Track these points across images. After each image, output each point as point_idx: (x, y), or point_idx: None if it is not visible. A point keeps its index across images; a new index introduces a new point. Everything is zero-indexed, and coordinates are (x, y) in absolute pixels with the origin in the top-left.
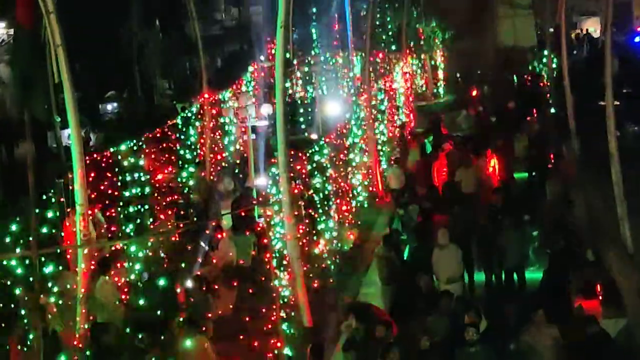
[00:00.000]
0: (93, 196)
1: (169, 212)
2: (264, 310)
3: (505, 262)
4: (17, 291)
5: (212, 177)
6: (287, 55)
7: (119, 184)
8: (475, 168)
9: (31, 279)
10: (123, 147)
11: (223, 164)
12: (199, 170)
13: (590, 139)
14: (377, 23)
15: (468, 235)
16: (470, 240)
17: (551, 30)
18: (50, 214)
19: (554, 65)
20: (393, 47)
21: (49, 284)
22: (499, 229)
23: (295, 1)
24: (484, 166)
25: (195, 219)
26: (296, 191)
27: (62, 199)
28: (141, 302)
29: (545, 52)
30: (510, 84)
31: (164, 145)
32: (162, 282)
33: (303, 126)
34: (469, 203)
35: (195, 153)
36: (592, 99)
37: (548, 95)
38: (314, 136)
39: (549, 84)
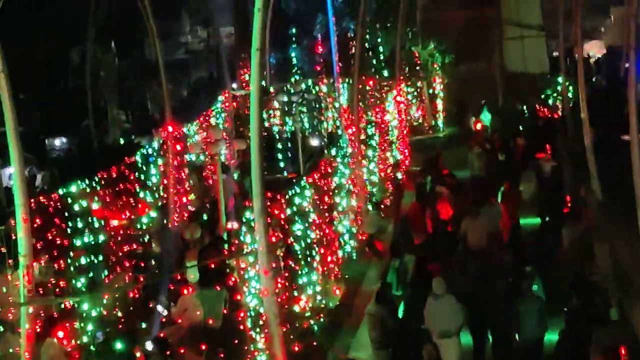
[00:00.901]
0: (39, 246)
1: (127, 264)
2: None
3: (523, 333)
4: None
5: (176, 224)
6: (263, 83)
7: (69, 231)
8: (482, 220)
9: None
10: (73, 189)
11: (189, 207)
12: (161, 216)
13: (612, 178)
14: (367, 45)
15: (479, 302)
16: (481, 306)
17: (555, 54)
18: None
19: (569, 94)
20: (385, 73)
21: None
22: (515, 294)
23: (272, 20)
24: (492, 216)
25: (156, 271)
26: (274, 239)
27: (2, 249)
28: None
29: (560, 79)
30: (519, 115)
31: (121, 186)
32: (118, 344)
33: (282, 164)
34: (477, 260)
35: (157, 195)
36: (614, 133)
37: (563, 128)
38: (294, 175)
39: (563, 115)
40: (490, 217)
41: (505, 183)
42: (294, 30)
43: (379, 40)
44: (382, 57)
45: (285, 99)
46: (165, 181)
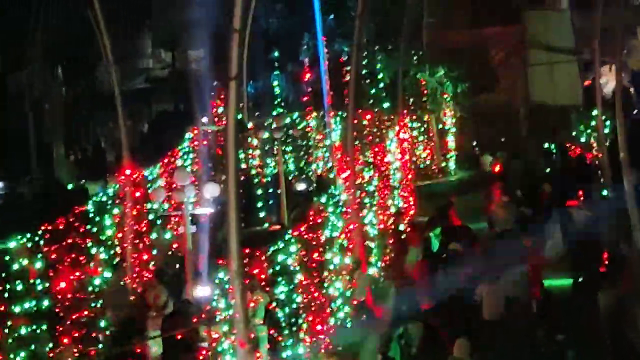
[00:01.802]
0: None
1: (76, 335)
2: None
3: None
4: None
5: (135, 286)
6: (240, 117)
7: (6, 295)
8: (504, 284)
9: None
10: (12, 245)
11: (151, 266)
12: (116, 276)
13: None
14: (364, 72)
15: None
16: None
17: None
18: None
19: (606, 131)
20: (385, 105)
21: None
22: None
23: (251, 42)
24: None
25: (112, 343)
26: (252, 305)
27: None
28: None
29: (595, 113)
30: (547, 156)
31: (69, 241)
32: None
33: (262, 214)
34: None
35: (112, 252)
36: None
37: (599, 172)
38: (276, 228)
39: (600, 156)
40: (513, 281)
41: (526, 241)
42: (276, 54)
43: (378, 65)
44: (381, 86)
45: (266, 135)
46: (122, 235)
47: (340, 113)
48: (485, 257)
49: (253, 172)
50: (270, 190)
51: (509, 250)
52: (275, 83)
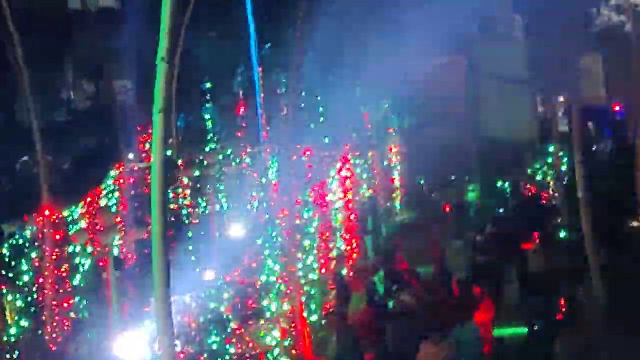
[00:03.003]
0: None
1: None
2: None
3: None
4: None
5: (54, 336)
6: (169, 153)
7: None
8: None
9: None
10: None
11: (71, 315)
12: (34, 325)
13: (619, 275)
14: (303, 105)
15: None
16: None
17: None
18: None
19: (563, 168)
20: (326, 140)
21: None
22: None
23: (181, 72)
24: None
25: None
26: (182, 356)
27: None
28: None
29: (551, 149)
30: (499, 195)
31: None
32: None
33: (193, 258)
34: None
35: (29, 299)
36: (621, 218)
37: (555, 212)
38: (209, 275)
39: (556, 194)
40: (459, 342)
41: (476, 287)
42: (208, 85)
43: (318, 98)
44: (322, 119)
45: (197, 173)
46: (41, 280)
47: (277, 149)
48: (433, 311)
49: (184, 212)
50: (202, 233)
51: (458, 304)
52: (207, 117)
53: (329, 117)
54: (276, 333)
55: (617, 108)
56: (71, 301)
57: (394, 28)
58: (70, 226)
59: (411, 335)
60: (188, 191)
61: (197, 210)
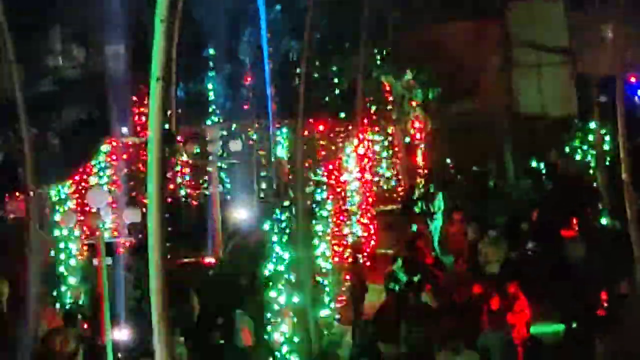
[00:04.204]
0: None
1: None
2: None
3: None
4: None
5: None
6: (167, 126)
7: None
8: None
9: None
10: None
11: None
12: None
13: None
14: (316, 75)
15: None
16: None
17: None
18: None
19: (606, 147)
20: (342, 115)
21: None
22: None
23: (181, 37)
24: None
25: None
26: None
27: None
28: None
29: (592, 126)
30: (536, 177)
31: None
32: None
33: (193, 244)
34: None
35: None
36: None
37: (597, 196)
38: (210, 260)
39: (598, 177)
40: (488, 347)
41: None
42: (211, 52)
43: (334, 67)
44: (337, 92)
45: (198, 150)
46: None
47: (287, 123)
48: (458, 315)
49: (182, 193)
50: (203, 216)
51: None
52: (210, 87)
53: (344, 89)
54: (285, 328)
55: None
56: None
57: None
58: (57, 207)
59: (428, 341)
60: (187, 170)
61: (198, 191)
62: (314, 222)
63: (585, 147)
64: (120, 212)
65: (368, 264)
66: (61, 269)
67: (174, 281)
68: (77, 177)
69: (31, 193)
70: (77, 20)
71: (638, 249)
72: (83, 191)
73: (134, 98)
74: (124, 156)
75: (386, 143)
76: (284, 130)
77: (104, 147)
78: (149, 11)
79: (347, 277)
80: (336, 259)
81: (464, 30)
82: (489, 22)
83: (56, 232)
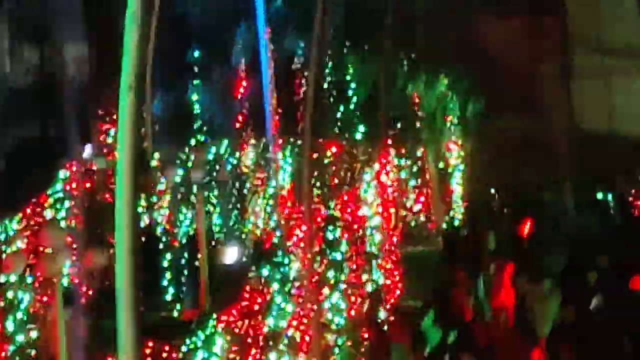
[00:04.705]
0: None
1: None
2: None
3: None
4: None
5: None
6: (142, 147)
7: None
8: None
9: None
10: None
11: None
12: None
13: None
14: (327, 83)
15: None
16: None
17: None
18: None
19: None
20: (360, 133)
21: None
22: None
23: (159, 35)
24: None
25: None
26: None
27: None
28: None
29: None
30: (603, 211)
31: None
32: None
33: (171, 293)
34: None
35: None
36: None
37: None
38: (193, 314)
39: None
40: None
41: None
42: (197, 55)
43: (348, 74)
44: (353, 105)
45: (180, 176)
46: None
47: (291, 143)
48: None
49: (160, 230)
50: (185, 259)
51: None
52: (194, 98)
53: (362, 100)
54: None
55: None
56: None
57: None
58: (4, 248)
59: None
60: (167, 200)
61: (178, 227)
62: (324, 266)
63: None
64: (82, 254)
65: (391, 318)
66: (8, 325)
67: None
68: (28, 211)
69: None
70: (29, 14)
71: None
72: (36, 228)
73: (100, 112)
74: (87, 184)
75: (415, 169)
76: (287, 152)
77: (62, 173)
78: (119, 4)
79: (366, 335)
80: (352, 313)
81: (514, 29)
82: (545, 19)
83: (1, 279)
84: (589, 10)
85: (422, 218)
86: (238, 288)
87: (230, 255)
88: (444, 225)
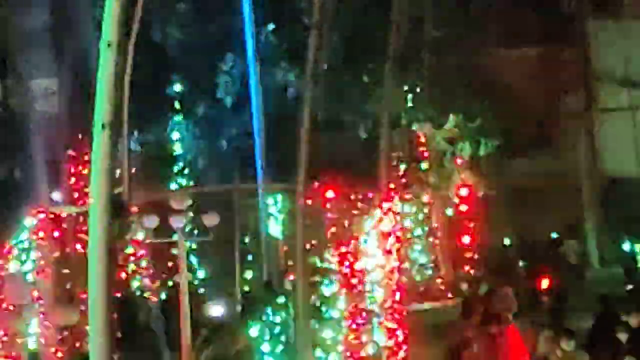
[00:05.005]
0: None
1: None
2: None
3: None
4: None
5: None
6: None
7: None
8: None
9: None
10: None
11: None
12: None
13: None
14: (323, 120)
15: None
16: None
17: None
18: None
19: None
20: (360, 177)
21: None
22: None
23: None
24: None
25: None
26: None
27: None
28: None
29: None
30: (631, 263)
31: None
32: None
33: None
34: None
35: None
36: None
37: None
38: None
39: None
40: None
41: None
42: (178, 88)
43: (347, 110)
44: (353, 144)
45: (159, 224)
46: None
47: (284, 185)
48: None
49: (137, 285)
50: (165, 318)
51: None
52: (176, 137)
53: (362, 140)
54: None
55: None
56: None
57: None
58: None
59: None
60: (144, 252)
61: (157, 282)
62: (319, 325)
63: None
64: (51, 311)
65: None
66: None
67: None
68: None
69: None
70: None
71: None
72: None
73: (71, 152)
74: (56, 233)
75: (421, 216)
76: (279, 197)
77: (28, 221)
78: (92, 32)
79: None
80: None
81: (531, 59)
82: (565, 48)
83: None
84: (613, 37)
85: (429, 271)
86: (227, 347)
87: (217, 309)
88: (454, 280)
